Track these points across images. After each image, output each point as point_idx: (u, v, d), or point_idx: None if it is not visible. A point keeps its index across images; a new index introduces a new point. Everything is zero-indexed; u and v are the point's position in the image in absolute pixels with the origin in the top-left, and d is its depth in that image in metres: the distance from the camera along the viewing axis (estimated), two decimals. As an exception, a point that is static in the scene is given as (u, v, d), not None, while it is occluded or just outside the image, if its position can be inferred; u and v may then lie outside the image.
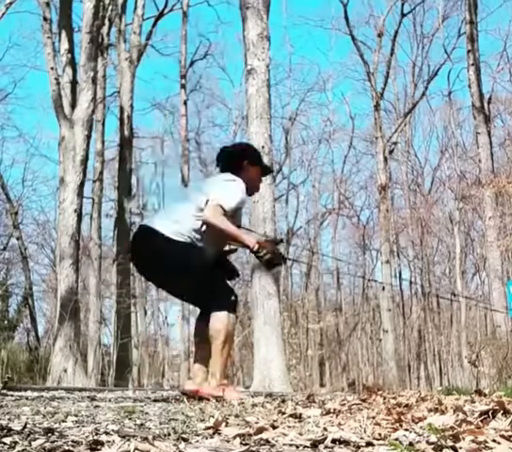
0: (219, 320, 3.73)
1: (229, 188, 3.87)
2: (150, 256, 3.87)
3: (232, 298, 3.85)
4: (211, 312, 3.78)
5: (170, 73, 62.36)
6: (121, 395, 4.77)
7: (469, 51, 18.57)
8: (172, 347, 30.91)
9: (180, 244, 3.76)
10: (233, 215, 3.87)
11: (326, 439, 1.63)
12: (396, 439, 1.65)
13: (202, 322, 3.90)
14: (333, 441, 1.63)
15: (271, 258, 3.81)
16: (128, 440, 1.57)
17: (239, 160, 4.08)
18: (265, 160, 10.14)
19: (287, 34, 43.76)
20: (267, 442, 1.64)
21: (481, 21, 21.33)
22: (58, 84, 11.50)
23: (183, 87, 23.39)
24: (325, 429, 1.85)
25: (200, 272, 3.81)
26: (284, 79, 29.81)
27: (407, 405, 2.63)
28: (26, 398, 3.52)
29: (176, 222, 3.82)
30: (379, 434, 1.75)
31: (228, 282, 3.98)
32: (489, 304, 16.20)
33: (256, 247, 3.75)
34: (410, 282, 27.78)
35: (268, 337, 9.41)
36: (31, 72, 37.48)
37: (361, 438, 1.69)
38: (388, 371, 20.39)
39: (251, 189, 4.09)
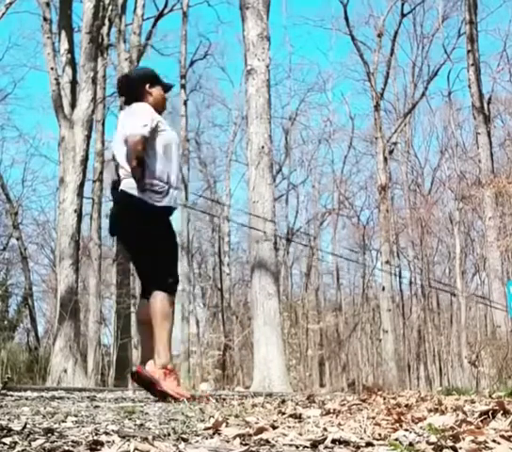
0: (157, 300, 3.84)
1: (134, 116, 3.98)
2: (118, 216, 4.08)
3: (170, 280, 3.94)
4: (151, 289, 3.89)
5: (170, 73, 62.32)
6: (121, 395, 4.77)
7: (469, 51, 18.59)
8: (173, 346, 30.91)
9: (133, 199, 3.88)
10: (154, 136, 3.93)
11: (326, 439, 1.63)
12: (396, 439, 1.65)
13: (144, 303, 3.99)
14: (333, 441, 1.63)
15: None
16: (128, 440, 1.57)
17: (140, 86, 4.16)
18: (266, 160, 10.20)
19: (287, 34, 43.85)
20: (267, 442, 1.64)
21: (481, 21, 21.38)
22: (58, 84, 11.50)
23: (183, 87, 23.38)
24: (325, 430, 1.85)
25: (156, 236, 3.92)
26: (284, 79, 29.85)
27: (407, 405, 2.63)
28: (26, 398, 3.52)
29: (122, 169, 3.96)
30: (379, 434, 1.75)
31: (173, 259, 4.04)
32: (490, 300, 16.20)
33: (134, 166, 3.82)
34: (410, 283, 27.78)
35: (268, 337, 9.41)
36: (31, 73, 37.52)
37: (361, 438, 1.69)
38: (388, 371, 20.39)
39: (161, 109, 4.19)
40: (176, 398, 3.55)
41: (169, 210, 4.02)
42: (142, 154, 3.83)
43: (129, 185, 3.91)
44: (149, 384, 3.75)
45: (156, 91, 4.18)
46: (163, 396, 3.68)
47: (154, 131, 3.93)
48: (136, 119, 3.93)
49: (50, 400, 3.43)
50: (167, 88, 4.30)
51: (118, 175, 4.02)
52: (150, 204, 3.86)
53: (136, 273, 4.38)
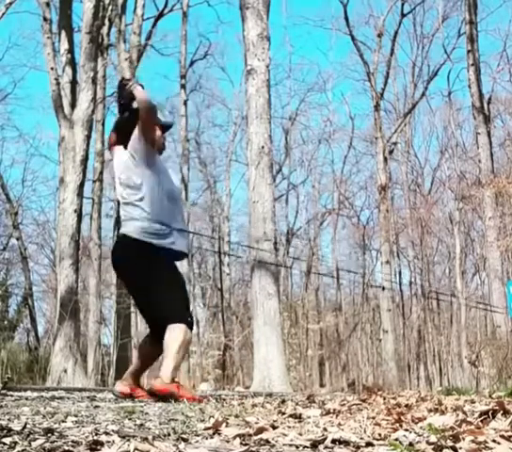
0: (176, 331, 3.79)
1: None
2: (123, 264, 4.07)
3: (189, 318, 3.91)
4: (167, 325, 3.81)
5: (170, 73, 62.40)
6: (121, 395, 4.76)
7: (469, 51, 18.59)
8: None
9: (139, 244, 3.86)
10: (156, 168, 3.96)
11: (326, 439, 1.62)
12: (396, 439, 1.65)
13: (147, 344, 3.99)
14: (333, 441, 1.63)
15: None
16: (128, 440, 1.57)
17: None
18: (266, 160, 10.19)
19: (287, 34, 43.74)
20: (267, 442, 1.64)
21: (481, 21, 21.35)
22: (58, 84, 11.50)
23: (182, 87, 23.39)
24: (325, 430, 1.85)
25: (161, 279, 3.87)
26: (284, 79, 29.84)
27: (407, 405, 2.63)
28: (26, 398, 3.52)
29: (126, 212, 3.99)
30: (379, 434, 1.75)
31: (185, 299, 4.02)
32: (489, 305, 16.19)
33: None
34: (410, 283, 27.78)
35: (268, 337, 9.41)
36: (31, 73, 37.47)
37: (361, 438, 1.69)
38: (388, 371, 20.39)
39: (159, 150, 4.14)
40: (200, 401, 3.53)
41: (174, 253, 3.95)
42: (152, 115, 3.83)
43: (130, 228, 3.89)
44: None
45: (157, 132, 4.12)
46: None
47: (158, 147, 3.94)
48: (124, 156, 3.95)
49: (50, 400, 3.43)
50: (165, 127, 4.22)
51: (119, 214, 4.07)
52: (152, 247, 3.82)
53: (143, 316, 4.31)
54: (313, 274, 27.95)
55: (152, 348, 3.95)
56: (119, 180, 4.03)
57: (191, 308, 4.22)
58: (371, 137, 25.35)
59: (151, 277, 3.85)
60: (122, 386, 3.91)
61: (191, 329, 3.91)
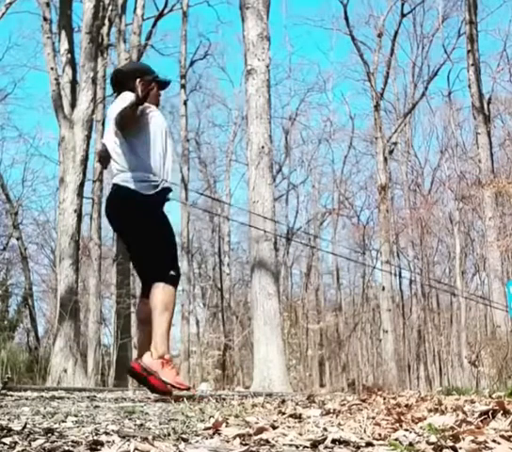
0: (159, 290, 3.80)
1: (119, 103, 3.98)
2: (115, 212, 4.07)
3: (172, 272, 3.90)
4: (151, 283, 3.85)
5: (170, 74, 62.34)
6: (121, 395, 4.76)
7: (469, 51, 18.59)
8: (172, 346, 30.91)
9: (128, 191, 3.88)
10: (144, 120, 3.93)
11: (326, 439, 1.62)
12: (396, 439, 1.65)
13: (144, 302, 3.95)
14: (333, 441, 1.63)
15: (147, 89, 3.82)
16: (128, 440, 1.57)
17: (131, 80, 4.03)
18: (266, 160, 10.19)
19: (287, 34, 43.89)
20: (267, 442, 1.64)
21: (481, 21, 21.37)
22: (58, 84, 11.50)
23: (183, 87, 23.39)
24: (325, 430, 1.85)
25: (149, 232, 3.89)
26: (284, 79, 29.89)
27: (407, 405, 2.63)
28: (26, 398, 3.52)
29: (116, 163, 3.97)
30: (379, 434, 1.75)
31: (171, 250, 4.01)
32: (490, 301, 16.20)
33: (141, 95, 3.78)
34: (410, 283, 27.78)
35: (268, 337, 9.41)
36: (31, 73, 37.54)
37: (361, 438, 1.69)
38: (388, 371, 20.39)
39: (152, 104, 4.12)
40: (176, 387, 3.55)
41: (164, 197, 3.99)
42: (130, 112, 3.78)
43: (122, 178, 3.91)
44: (145, 379, 3.73)
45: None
46: (160, 390, 3.69)
47: (143, 114, 3.91)
48: (123, 102, 3.91)
49: (50, 400, 3.43)
50: (162, 84, 4.23)
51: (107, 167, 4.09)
52: (144, 195, 3.85)
53: (136, 271, 4.33)
54: (314, 274, 27.97)
55: (149, 308, 3.89)
56: (109, 126, 4.04)
57: (179, 260, 4.13)
58: (371, 137, 25.36)
59: (144, 226, 3.89)
60: (134, 362, 3.82)
61: (175, 284, 3.92)
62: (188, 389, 3.70)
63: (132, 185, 3.87)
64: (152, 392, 3.81)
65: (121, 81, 4.16)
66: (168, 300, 3.80)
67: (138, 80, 3.75)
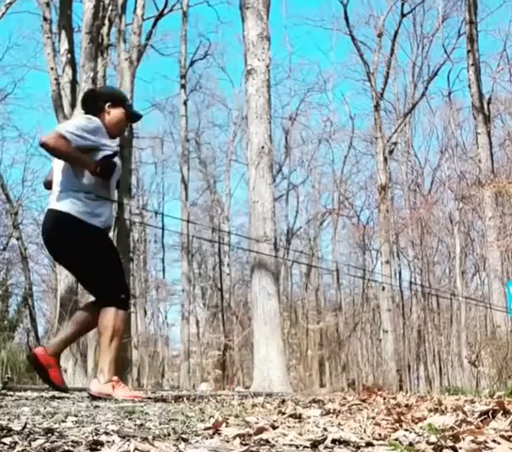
0: (107, 316, 3.73)
1: (72, 120, 3.87)
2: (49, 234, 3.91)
3: (122, 296, 3.82)
4: (100, 305, 3.78)
5: (170, 73, 62.51)
6: (121, 395, 4.76)
7: (469, 51, 18.60)
8: (172, 347, 30.93)
9: (65, 216, 3.74)
10: (91, 153, 3.78)
11: (326, 439, 1.62)
12: (396, 439, 1.65)
13: (87, 310, 3.90)
14: (333, 441, 1.63)
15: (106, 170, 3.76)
16: (128, 440, 1.57)
17: (101, 102, 3.97)
18: (266, 160, 10.19)
19: (287, 34, 43.92)
20: (267, 442, 1.64)
21: (481, 21, 21.38)
22: (58, 84, 11.51)
23: (183, 87, 23.39)
24: (325, 430, 1.85)
25: (91, 254, 3.79)
26: (284, 79, 29.91)
27: (407, 405, 2.63)
28: (26, 398, 3.52)
29: (57, 185, 3.84)
30: (379, 434, 1.75)
31: (119, 273, 3.93)
32: (490, 303, 16.20)
33: (97, 169, 3.71)
34: (410, 283, 27.79)
35: (268, 337, 9.41)
36: (31, 72, 37.57)
37: (361, 438, 1.69)
38: (388, 371, 20.39)
39: (114, 133, 4.00)
40: (134, 400, 3.52)
41: (102, 228, 3.85)
42: (56, 148, 3.63)
43: (56, 201, 3.78)
44: (44, 371, 3.71)
45: (116, 113, 3.98)
46: (56, 385, 3.74)
47: (93, 148, 3.75)
48: (70, 122, 3.84)
49: (50, 400, 3.43)
50: (132, 116, 4.10)
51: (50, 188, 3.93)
52: (81, 221, 3.72)
53: (83, 286, 4.22)
54: (314, 274, 27.96)
55: (92, 317, 3.83)
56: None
57: (127, 282, 4.08)
58: (371, 137, 25.36)
59: (80, 254, 3.78)
60: (41, 350, 3.76)
61: (127, 307, 3.87)
62: (147, 399, 3.70)
63: (67, 211, 3.73)
64: (48, 384, 3.80)
65: (90, 100, 4.04)
66: (117, 327, 3.75)
67: (100, 165, 3.68)
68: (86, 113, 4.00)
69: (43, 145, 3.63)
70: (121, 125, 4.09)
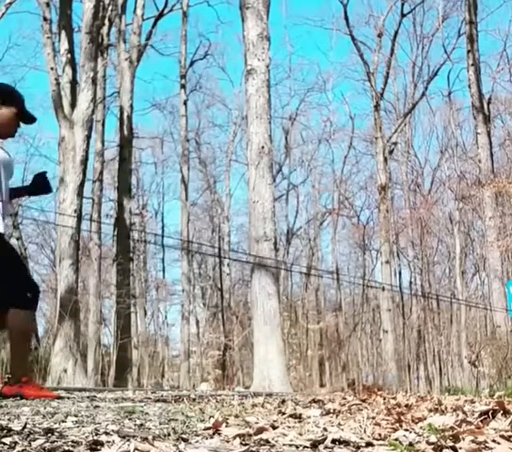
0: (16, 318, 3.73)
1: None
2: None
3: (29, 294, 3.80)
4: (9, 307, 3.75)
5: (170, 73, 62.44)
6: (121, 395, 4.76)
7: (469, 51, 18.60)
8: (172, 347, 30.92)
9: None
10: None
11: (326, 439, 1.62)
12: (396, 439, 1.65)
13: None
14: (333, 441, 1.63)
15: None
16: (128, 440, 1.57)
17: None
18: (266, 160, 10.19)
19: (287, 34, 43.85)
20: (267, 442, 1.64)
21: (481, 21, 21.38)
22: (58, 84, 11.50)
23: (183, 87, 23.39)
24: (325, 430, 1.85)
25: None
26: (284, 79, 29.89)
27: (407, 405, 2.63)
28: (26, 398, 3.52)
29: None
30: (379, 434, 1.75)
31: (21, 276, 3.89)
32: (490, 305, 16.20)
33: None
34: (410, 283, 27.79)
35: (268, 337, 9.41)
36: (31, 72, 37.57)
37: (361, 438, 1.69)
38: (388, 371, 20.39)
39: (3, 131, 3.91)
40: (52, 397, 3.58)
41: None
42: None
43: None
44: (20, 396, 3.68)
45: (6, 112, 3.84)
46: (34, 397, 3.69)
47: None
48: None
49: (50, 400, 3.43)
50: (25, 117, 3.97)
51: None
52: None
53: None
54: (314, 274, 27.96)
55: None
56: None
57: (33, 278, 4.02)
58: (371, 137, 25.36)
59: None
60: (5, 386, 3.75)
61: (32, 306, 3.84)
62: (58, 398, 3.70)
63: None
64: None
65: None
66: (28, 329, 3.82)
67: None
68: None
69: None
70: (10, 125, 3.92)
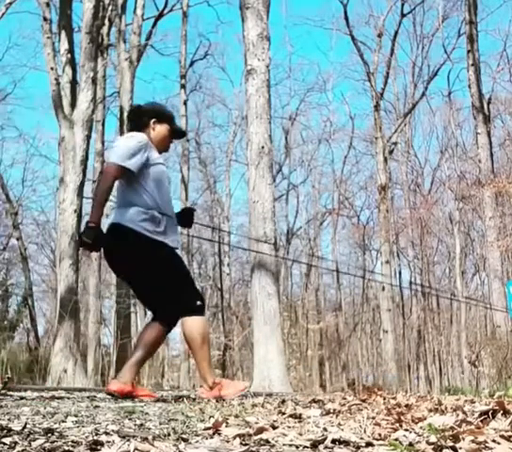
0: (194, 325, 3.84)
1: (119, 144, 3.91)
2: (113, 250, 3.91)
3: (198, 302, 3.89)
4: (180, 317, 3.87)
5: (170, 73, 62.49)
6: (121, 395, 4.75)
7: (469, 51, 18.61)
8: (172, 347, 30.89)
9: (134, 234, 3.77)
10: (145, 169, 3.82)
11: (326, 439, 1.62)
12: (396, 439, 1.65)
13: (151, 326, 3.94)
14: (333, 441, 1.63)
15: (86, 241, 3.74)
16: (128, 440, 1.57)
17: (146, 118, 4.03)
18: (266, 160, 10.18)
19: (287, 34, 43.90)
20: (267, 442, 1.64)
21: (481, 21, 21.40)
22: (58, 84, 11.50)
23: (182, 87, 23.39)
24: (325, 430, 1.85)
25: (163, 270, 3.83)
26: (284, 79, 29.95)
27: (407, 405, 2.63)
28: (26, 398, 3.52)
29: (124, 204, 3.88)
30: (379, 434, 1.75)
31: (192, 284, 3.99)
32: (490, 304, 16.21)
33: (91, 225, 3.70)
34: (410, 283, 27.78)
35: (268, 337, 9.41)
36: (31, 72, 37.60)
37: (361, 438, 1.69)
38: (388, 371, 20.39)
39: (160, 149, 4.05)
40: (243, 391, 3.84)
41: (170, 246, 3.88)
42: (108, 186, 3.72)
43: (119, 215, 3.81)
44: (132, 397, 3.78)
45: (161, 129, 4.05)
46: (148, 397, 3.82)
47: (145, 165, 3.81)
48: (122, 147, 3.84)
49: (50, 400, 3.43)
50: (176, 133, 4.16)
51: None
52: (143, 235, 3.75)
53: (143, 304, 4.32)
54: (314, 274, 27.95)
55: (156, 334, 3.88)
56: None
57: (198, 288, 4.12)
58: (371, 137, 25.35)
59: (147, 269, 3.80)
60: (119, 384, 3.77)
61: (203, 312, 3.92)
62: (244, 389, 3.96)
63: (130, 225, 3.78)
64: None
65: (135, 115, 4.11)
66: (204, 332, 3.87)
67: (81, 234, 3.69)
68: (130, 129, 4.08)
69: (106, 173, 3.75)
70: (165, 142, 4.11)
